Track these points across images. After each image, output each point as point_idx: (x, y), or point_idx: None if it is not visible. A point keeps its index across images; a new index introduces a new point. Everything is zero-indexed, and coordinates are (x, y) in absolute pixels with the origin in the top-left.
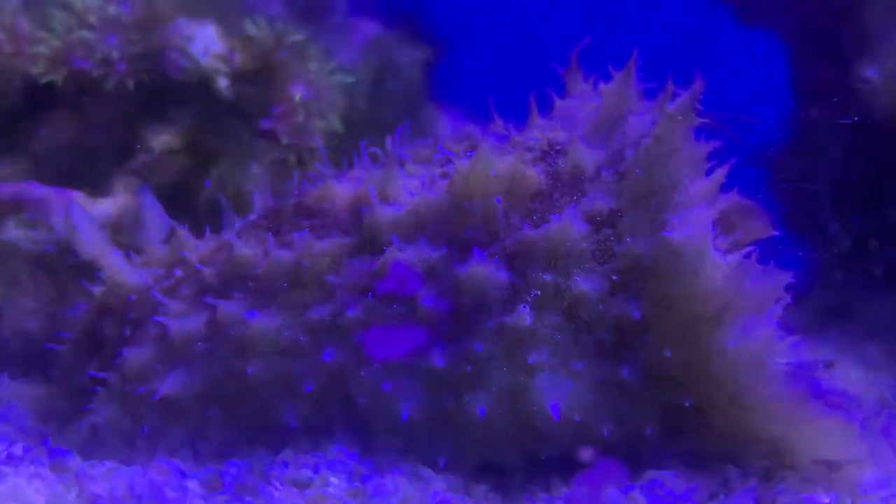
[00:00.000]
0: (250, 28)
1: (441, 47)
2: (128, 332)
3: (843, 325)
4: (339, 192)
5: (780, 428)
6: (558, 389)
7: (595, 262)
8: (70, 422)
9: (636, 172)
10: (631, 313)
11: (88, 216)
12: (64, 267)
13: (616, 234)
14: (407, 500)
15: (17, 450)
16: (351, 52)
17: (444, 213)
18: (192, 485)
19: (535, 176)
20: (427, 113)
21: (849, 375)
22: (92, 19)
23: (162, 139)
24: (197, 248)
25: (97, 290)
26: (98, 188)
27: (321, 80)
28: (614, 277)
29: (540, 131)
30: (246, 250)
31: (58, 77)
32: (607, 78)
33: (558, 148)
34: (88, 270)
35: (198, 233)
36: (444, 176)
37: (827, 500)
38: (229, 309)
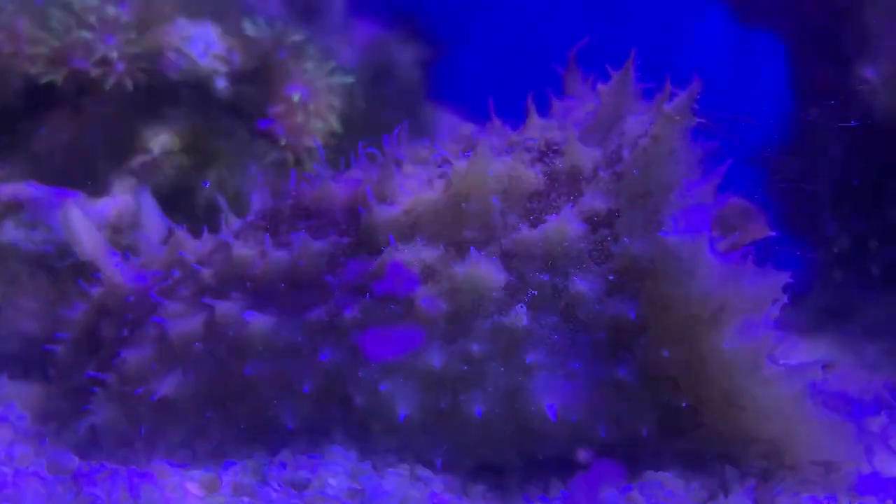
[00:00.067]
0: (249, 28)
1: (440, 47)
2: (126, 332)
3: (841, 325)
4: (337, 192)
5: (777, 428)
6: (555, 390)
7: (592, 262)
8: (68, 422)
9: (633, 173)
10: (628, 313)
11: (86, 217)
12: (63, 267)
13: (613, 235)
14: (405, 501)
15: (16, 450)
16: (350, 52)
17: (441, 213)
18: (191, 485)
19: (532, 176)
20: (426, 113)
21: (847, 375)
22: (91, 19)
23: (160, 139)
24: (195, 249)
25: (95, 291)
26: (97, 188)
27: (320, 81)
28: (611, 277)
29: (538, 131)
30: (244, 251)
31: (57, 77)
32: (606, 78)
33: (556, 148)
34: (87, 271)
35: (196, 233)
36: (442, 176)
37: (825, 501)
38: (227, 309)
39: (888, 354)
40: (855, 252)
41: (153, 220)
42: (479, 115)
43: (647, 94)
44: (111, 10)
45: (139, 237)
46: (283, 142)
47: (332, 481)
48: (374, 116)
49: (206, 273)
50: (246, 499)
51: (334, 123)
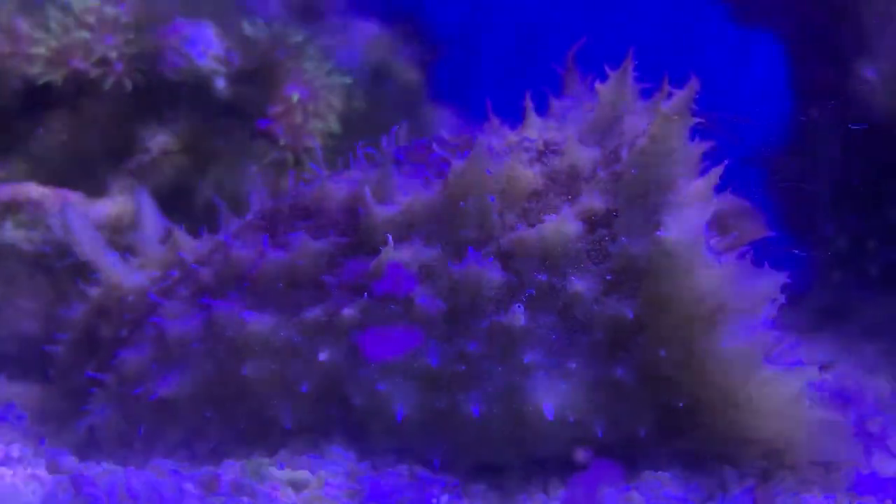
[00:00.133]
0: (248, 28)
1: (440, 47)
2: (125, 333)
3: (840, 325)
4: (335, 192)
5: (775, 429)
6: (553, 389)
7: (590, 262)
8: (67, 423)
9: (631, 172)
10: (625, 313)
11: (85, 217)
12: (62, 267)
13: (611, 235)
14: (404, 502)
15: (15, 450)
16: (349, 53)
17: (439, 212)
18: (189, 486)
19: (530, 176)
20: (426, 113)
21: (846, 376)
22: (90, 20)
23: (159, 140)
24: (194, 249)
25: (94, 292)
26: (96, 189)
27: (319, 81)
28: (609, 277)
29: (536, 131)
30: (242, 251)
31: (56, 77)
32: (604, 78)
33: (554, 148)
34: (86, 271)
35: (195, 233)
36: (440, 176)
37: (824, 502)
38: (226, 309)
39: (887, 355)
40: (854, 252)
41: (152, 221)
42: (478, 115)
43: (646, 94)
44: (110, 11)
45: (138, 237)
46: (282, 142)
47: (331, 481)
48: (374, 116)
49: (205, 273)
50: (245, 499)
51: (333, 124)
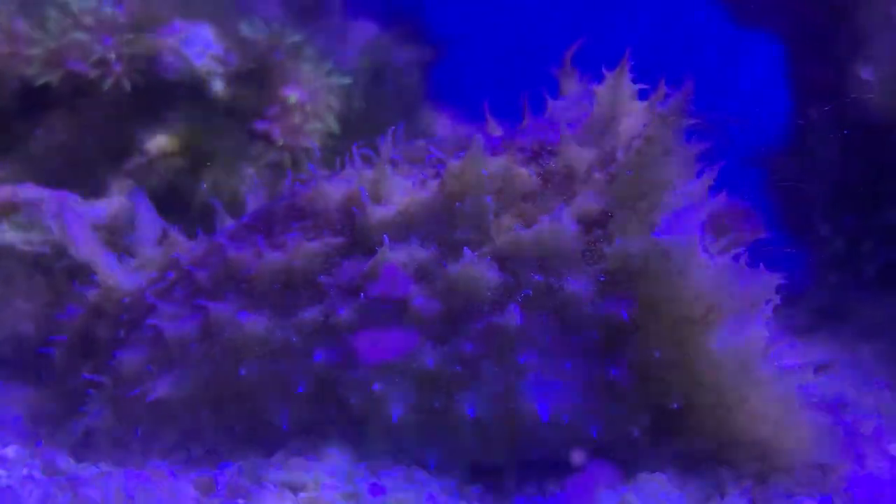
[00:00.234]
0: (246, 29)
1: (438, 48)
2: (121, 334)
3: (837, 326)
4: (332, 193)
5: (768, 430)
6: (548, 390)
7: (585, 262)
8: (64, 424)
9: (627, 173)
10: (620, 314)
11: (82, 218)
12: (59, 269)
13: (606, 235)
14: (401, 503)
15: (11, 452)
16: (348, 53)
17: (435, 213)
18: (186, 487)
19: (526, 176)
20: (424, 114)
21: (842, 377)
22: (88, 21)
23: (157, 141)
24: (190, 250)
25: (91, 293)
26: (93, 190)
27: (317, 82)
28: (604, 278)
29: (532, 132)
30: (238, 252)
31: (53, 78)
32: (600, 79)
33: (550, 148)
34: (84, 272)
35: (191, 235)
36: (437, 176)
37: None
38: (222, 310)
39: (883, 355)
40: (851, 253)
41: (148, 222)
42: (477, 116)
43: (642, 95)
44: (108, 12)
45: (134, 239)
46: (279, 143)
47: (328, 483)
48: (373, 117)
49: (201, 274)
50: (241, 500)
51: (332, 124)
